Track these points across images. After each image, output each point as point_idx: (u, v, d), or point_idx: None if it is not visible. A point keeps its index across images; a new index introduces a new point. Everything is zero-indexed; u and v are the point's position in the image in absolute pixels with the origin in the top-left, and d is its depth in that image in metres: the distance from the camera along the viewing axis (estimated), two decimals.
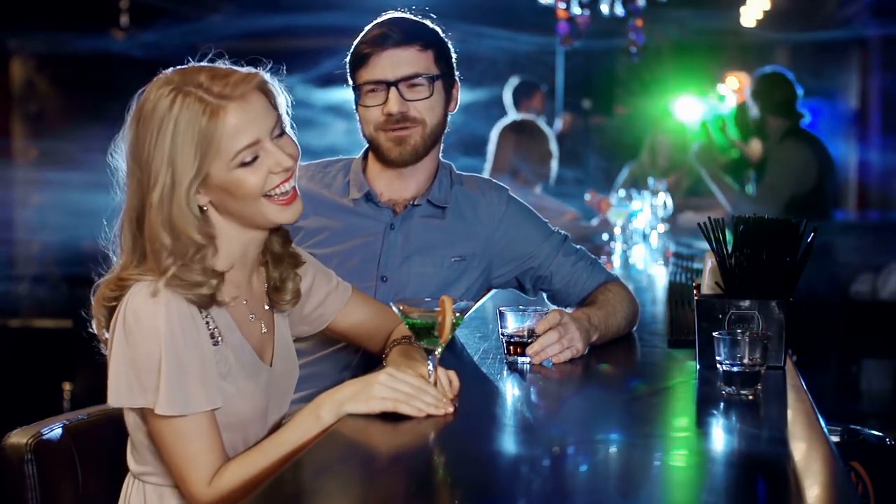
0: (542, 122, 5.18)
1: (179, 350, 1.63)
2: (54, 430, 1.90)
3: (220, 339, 1.71)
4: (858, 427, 2.56)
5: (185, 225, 1.67)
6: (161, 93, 1.67)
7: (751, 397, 1.79)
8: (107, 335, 1.72)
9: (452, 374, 1.78)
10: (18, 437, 1.86)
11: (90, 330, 1.77)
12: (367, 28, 2.33)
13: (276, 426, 1.84)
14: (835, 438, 2.48)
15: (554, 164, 4.98)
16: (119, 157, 1.75)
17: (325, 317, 2.04)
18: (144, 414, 1.69)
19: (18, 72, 8.15)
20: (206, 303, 1.70)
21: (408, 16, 2.36)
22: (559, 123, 7.03)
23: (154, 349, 1.62)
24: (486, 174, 4.65)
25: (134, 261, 1.70)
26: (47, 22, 6.96)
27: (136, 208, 1.70)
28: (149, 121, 1.67)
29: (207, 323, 1.70)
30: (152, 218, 1.66)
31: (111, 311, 1.70)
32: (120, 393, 1.65)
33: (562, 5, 5.29)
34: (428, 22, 2.35)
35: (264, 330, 1.84)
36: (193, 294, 1.67)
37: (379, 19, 2.34)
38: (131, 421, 1.75)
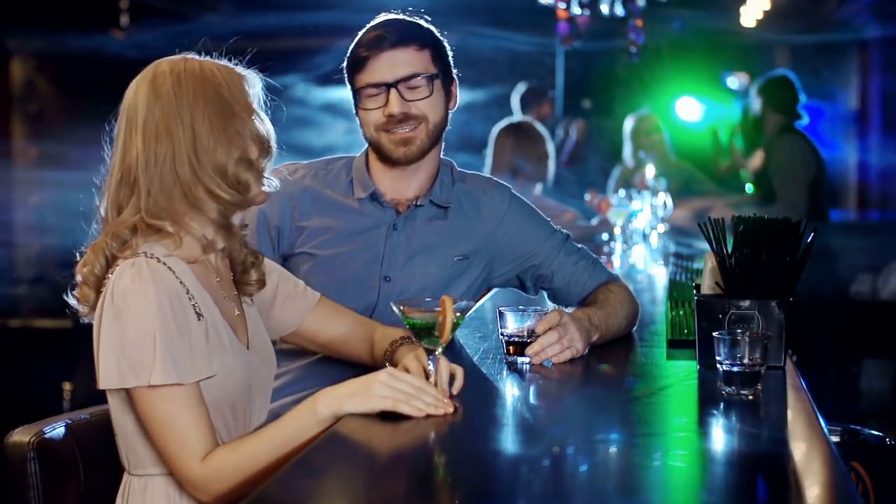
0: (538, 124, 5.18)
1: (170, 323, 1.66)
2: (56, 430, 1.91)
3: (201, 314, 1.73)
4: (858, 427, 2.56)
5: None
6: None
7: (751, 397, 1.79)
8: (83, 310, 1.75)
9: (458, 370, 1.79)
10: (21, 436, 1.87)
11: (69, 298, 1.78)
12: (361, 31, 2.33)
13: (264, 416, 1.88)
14: (835, 438, 2.48)
15: (551, 165, 4.99)
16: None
17: (292, 320, 2.05)
18: (132, 396, 1.69)
19: (18, 72, 8.15)
20: (197, 253, 1.77)
21: (402, 17, 2.35)
22: (573, 132, 7.01)
23: (147, 326, 1.64)
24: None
25: (144, 201, 1.73)
26: (47, 22, 6.96)
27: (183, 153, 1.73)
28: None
29: (190, 298, 1.72)
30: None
31: (97, 290, 1.73)
32: (111, 375, 1.66)
33: (562, 5, 5.30)
34: (422, 22, 2.35)
35: (237, 312, 1.87)
36: (195, 237, 1.76)
37: (373, 22, 2.33)
38: (118, 408, 1.75)
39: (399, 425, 1.63)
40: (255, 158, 1.79)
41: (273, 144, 1.84)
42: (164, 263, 1.71)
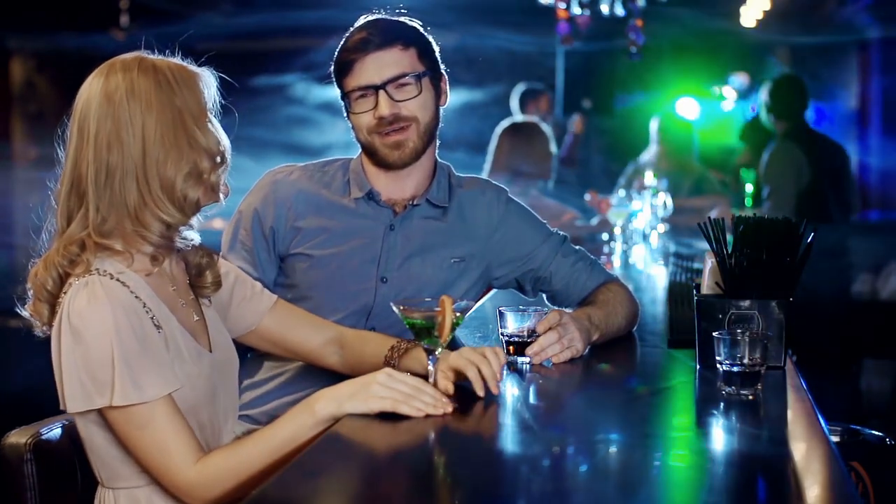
0: (542, 123, 5.18)
1: (129, 341, 1.63)
2: (53, 430, 1.90)
3: (160, 326, 1.71)
4: (858, 427, 2.56)
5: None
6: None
7: (751, 397, 1.79)
8: (37, 324, 1.74)
9: (494, 357, 1.81)
10: (18, 437, 1.86)
11: (23, 311, 1.78)
12: (346, 35, 2.31)
13: (232, 418, 1.88)
14: (835, 438, 2.48)
15: (553, 164, 4.99)
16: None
17: (249, 321, 2.03)
18: (105, 416, 1.67)
19: (18, 72, 8.15)
20: (148, 266, 1.74)
21: (385, 16, 2.33)
22: (572, 126, 7.01)
23: (105, 346, 1.62)
24: (485, 174, 4.65)
25: (92, 218, 1.70)
26: (47, 22, 6.96)
27: (134, 162, 1.70)
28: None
29: (147, 311, 1.70)
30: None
31: (50, 305, 1.72)
32: (75, 398, 1.64)
33: (562, 5, 5.29)
34: (406, 20, 2.33)
35: (196, 318, 1.85)
36: (149, 237, 1.71)
37: (356, 24, 2.32)
38: (88, 429, 1.73)
39: (398, 425, 1.63)
40: (206, 171, 1.75)
41: (227, 154, 1.80)
42: (118, 280, 1.68)
